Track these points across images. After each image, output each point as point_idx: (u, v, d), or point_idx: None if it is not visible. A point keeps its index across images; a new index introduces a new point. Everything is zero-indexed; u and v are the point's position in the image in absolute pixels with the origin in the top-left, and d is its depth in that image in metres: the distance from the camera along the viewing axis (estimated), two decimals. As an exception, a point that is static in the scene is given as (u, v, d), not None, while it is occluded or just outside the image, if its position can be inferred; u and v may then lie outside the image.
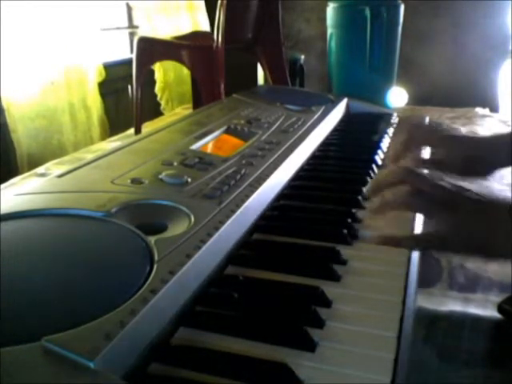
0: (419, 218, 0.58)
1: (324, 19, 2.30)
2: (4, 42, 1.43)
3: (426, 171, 0.64)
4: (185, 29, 2.24)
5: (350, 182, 0.71)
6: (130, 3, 2.22)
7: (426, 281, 0.67)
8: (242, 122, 0.84)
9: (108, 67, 1.93)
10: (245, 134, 0.79)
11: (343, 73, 2.26)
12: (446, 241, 0.51)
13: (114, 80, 1.98)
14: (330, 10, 2.24)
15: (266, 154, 0.70)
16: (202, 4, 2.36)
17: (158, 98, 2.26)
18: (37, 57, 1.55)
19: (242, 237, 0.53)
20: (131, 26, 2.34)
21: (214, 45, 1.55)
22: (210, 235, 0.46)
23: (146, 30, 2.12)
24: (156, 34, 2.09)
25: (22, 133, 1.51)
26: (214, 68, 1.56)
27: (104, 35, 1.95)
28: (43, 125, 1.58)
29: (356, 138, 0.94)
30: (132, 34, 2.32)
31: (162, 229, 0.47)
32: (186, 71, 2.33)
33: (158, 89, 2.25)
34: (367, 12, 2.06)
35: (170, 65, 2.23)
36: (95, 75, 1.84)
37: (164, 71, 2.25)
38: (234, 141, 0.77)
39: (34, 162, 1.51)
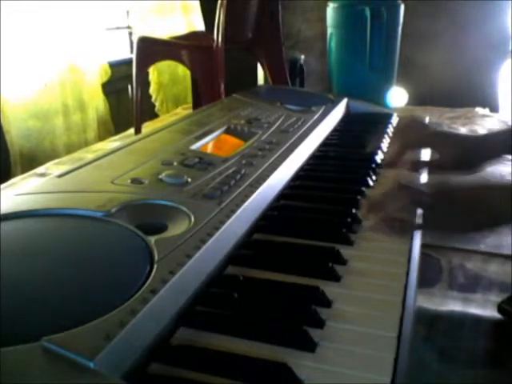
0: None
1: (324, 19, 2.30)
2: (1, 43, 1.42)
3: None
4: (179, 30, 2.24)
5: (350, 181, 0.71)
6: (127, 5, 2.21)
7: (426, 281, 0.67)
8: (242, 121, 0.84)
9: (111, 67, 1.93)
10: (245, 134, 0.79)
11: (343, 73, 2.26)
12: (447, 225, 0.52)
13: (116, 79, 1.98)
14: (330, 10, 2.24)
15: (266, 154, 0.70)
16: (197, 5, 2.36)
17: (153, 99, 2.25)
18: (32, 58, 1.55)
19: (242, 237, 0.53)
20: (129, 26, 2.33)
21: (214, 45, 1.55)
22: (210, 235, 0.46)
23: (140, 31, 2.11)
24: (151, 34, 2.08)
25: (15, 133, 1.51)
26: (213, 68, 1.56)
27: (103, 35, 1.94)
28: (36, 126, 1.58)
29: (356, 137, 0.94)
30: (131, 35, 2.31)
31: (162, 229, 0.47)
32: (180, 72, 2.33)
33: (152, 90, 2.25)
34: (367, 12, 2.06)
35: (164, 66, 2.23)
36: (99, 75, 1.84)
37: (158, 72, 2.24)
38: (233, 141, 0.77)
39: (27, 163, 1.51)
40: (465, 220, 0.52)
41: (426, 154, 0.79)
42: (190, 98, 2.38)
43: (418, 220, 0.56)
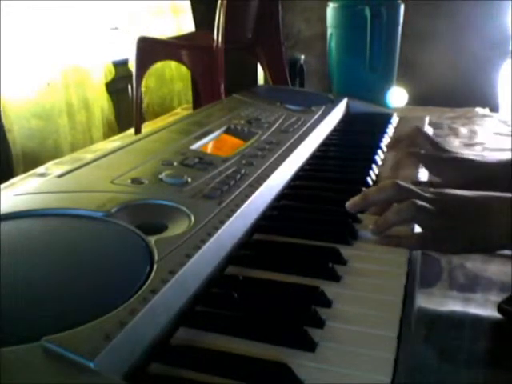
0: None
1: (324, 19, 2.30)
2: (2, 42, 1.42)
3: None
4: (169, 31, 2.23)
5: (350, 182, 0.71)
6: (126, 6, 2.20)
7: (426, 281, 0.67)
8: (242, 122, 0.84)
9: (114, 66, 1.93)
10: (245, 134, 0.79)
11: (343, 73, 2.26)
12: (446, 240, 0.52)
13: (117, 79, 1.98)
14: (330, 10, 2.24)
15: (265, 154, 0.70)
16: (186, 6, 2.34)
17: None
18: (35, 57, 1.55)
19: (242, 237, 0.53)
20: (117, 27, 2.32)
21: (214, 45, 1.55)
22: (210, 235, 0.46)
23: (129, 32, 2.10)
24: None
25: (17, 133, 1.51)
26: (213, 68, 1.56)
27: (106, 35, 1.94)
28: (39, 125, 1.58)
29: (356, 137, 0.94)
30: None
31: (161, 229, 0.47)
32: (168, 76, 2.32)
33: (140, 92, 2.24)
34: (367, 12, 2.06)
35: (152, 69, 2.21)
36: (104, 74, 1.84)
37: (146, 76, 2.23)
38: (234, 141, 0.77)
39: (29, 162, 1.51)
40: (463, 234, 0.51)
41: (424, 175, 0.78)
42: (176, 102, 2.38)
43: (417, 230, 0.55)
